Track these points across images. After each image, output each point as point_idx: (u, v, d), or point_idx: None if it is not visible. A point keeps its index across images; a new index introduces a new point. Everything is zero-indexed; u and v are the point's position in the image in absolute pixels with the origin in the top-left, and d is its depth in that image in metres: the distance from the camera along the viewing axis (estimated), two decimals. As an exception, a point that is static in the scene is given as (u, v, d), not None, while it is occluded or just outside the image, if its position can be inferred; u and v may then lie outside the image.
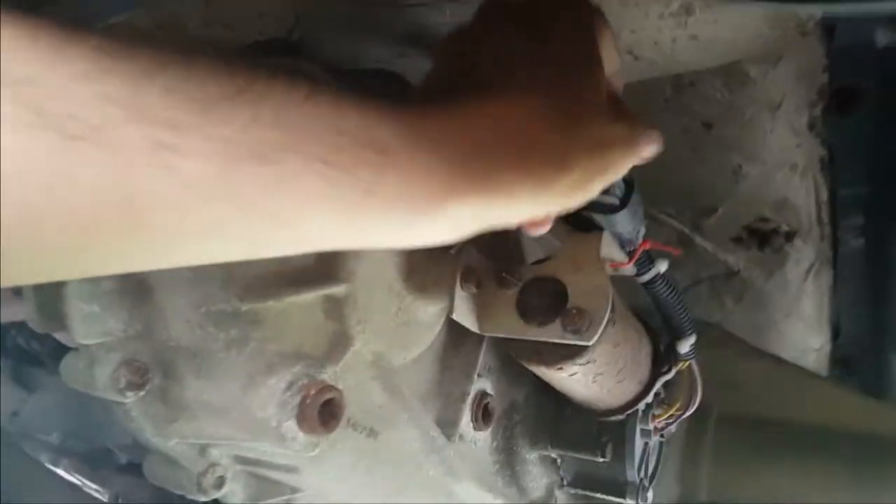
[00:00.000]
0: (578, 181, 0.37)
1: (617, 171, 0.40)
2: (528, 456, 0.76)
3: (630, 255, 0.62)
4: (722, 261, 1.08)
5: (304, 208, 0.26)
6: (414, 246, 0.33)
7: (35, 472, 0.94)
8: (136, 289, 0.53)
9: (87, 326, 0.50)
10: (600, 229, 0.61)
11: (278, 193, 0.25)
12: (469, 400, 0.69)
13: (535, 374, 0.69)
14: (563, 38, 0.40)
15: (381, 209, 0.29)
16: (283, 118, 0.25)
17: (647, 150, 0.44)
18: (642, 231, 0.61)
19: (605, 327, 0.56)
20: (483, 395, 0.71)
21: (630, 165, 0.42)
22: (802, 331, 1.12)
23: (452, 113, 0.33)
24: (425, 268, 0.63)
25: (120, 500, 1.05)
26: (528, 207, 0.34)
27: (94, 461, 1.19)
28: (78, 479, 1.22)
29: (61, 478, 0.97)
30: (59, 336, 0.68)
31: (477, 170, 0.31)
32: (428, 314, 0.65)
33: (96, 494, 1.19)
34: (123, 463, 1.15)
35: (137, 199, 0.22)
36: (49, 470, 1.00)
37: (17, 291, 0.79)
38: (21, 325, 1.41)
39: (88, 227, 0.22)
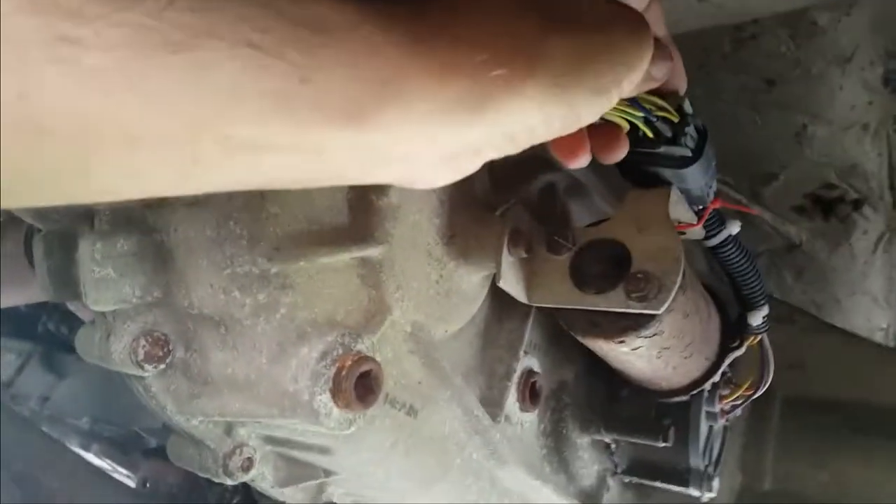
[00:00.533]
0: (563, 72, 0.30)
1: (616, 66, 0.33)
2: (578, 440, 0.70)
3: (699, 214, 0.55)
4: (782, 232, 1.00)
5: (231, 104, 0.22)
6: (374, 168, 0.27)
7: (62, 456, 0.91)
8: (154, 251, 0.48)
9: (100, 292, 0.46)
10: (664, 184, 0.54)
11: (199, 86, 0.22)
12: (515, 378, 0.64)
13: (585, 351, 0.63)
14: None
15: (320, 99, 0.24)
16: None
17: (658, 66, 0.37)
18: (714, 187, 0.54)
19: (676, 294, 0.49)
20: (530, 373, 0.65)
21: (636, 69, 0.35)
22: (869, 307, 1.03)
23: None
24: (468, 231, 0.57)
25: (148, 485, 1.03)
26: (507, 108, 0.28)
27: (124, 445, 1.17)
28: (108, 464, 1.20)
29: (86, 461, 0.94)
30: (74, 308, 0.64)
31: (437, 51, 0.26)
32: (471, 283, 0.59)
33: (126, 480, 1.16)
34: (153, 447, 1.12)
35: (35, 98, 0.19)
36: (73, 452, 0.97)
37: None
38: (51, 310, 1.39)
39: None
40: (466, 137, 0.29)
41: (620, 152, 0.42)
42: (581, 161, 0.40)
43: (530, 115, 0.30)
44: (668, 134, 0.48)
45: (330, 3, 0.24)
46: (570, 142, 0.39)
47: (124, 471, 1.19)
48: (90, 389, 1.31)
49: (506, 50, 0.28)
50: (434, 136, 0.28)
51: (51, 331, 1.45)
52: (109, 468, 1.20)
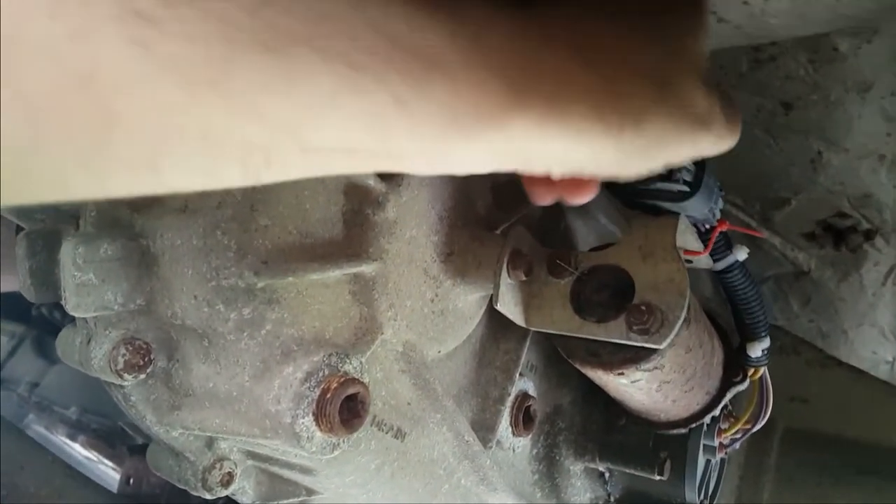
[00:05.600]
0: (646, 148, 0.30)
1: (696, 156, 0.33)
2: (571, 467, 0.68)
3: (706, 238, 0.53)
4: (791, 258, 0.97)
5: (316, 115, 0.21)
6: (443, 169, 0.27)
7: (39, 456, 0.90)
8: (139, 257, 0.46)
9: (80, 297, 0.44)
10: (671, 212, 0.52)
11: (285, 93, 0.20)
12: (509, 402, 0.62)
13: (584, 376, 0.60)
14: None
15: (413, 124, 0.23)
16: (307, 2, 0.19)
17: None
18: (719, 206, 0.52)
19: (679, 329, 0.47)
20: (525, 396, 0.63)
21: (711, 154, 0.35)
22: (875, 340, 1.01)
23: (529, 21, 0.26)
24: (467, 249, 0.55)
25: (131, 482, 1.01)
26: (579, 157, 0.28)
27: (111, 438, 1.15)
28: (94, 457, 1.18)
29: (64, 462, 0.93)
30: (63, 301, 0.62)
31: (541, 96, 0.25)
32: (467, 303, 0.57)
33: (112, 472, 1.15)
34: (138, 443, 1.11)
35: (102, 78, 0.17)
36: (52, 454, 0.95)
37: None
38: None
39: (40, 103, 0.17)
40: (531, 160, 0.28)
41: (587, 195, 0.40)
42: (547, 200, 0.38)
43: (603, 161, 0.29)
44: (663, 171, 0.47)
45: (444, 31, 0.23)
46: (540, 179, 0.37)
47: (110, 463, 1.17)
48: (80, 378, 1.30)
49: (610, 111, 0.28)
50: (503, 162, 0.27)
51: (44, 315, 1.43)
52: (95, 460, 1.18)
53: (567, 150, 0.28)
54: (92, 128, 0.18)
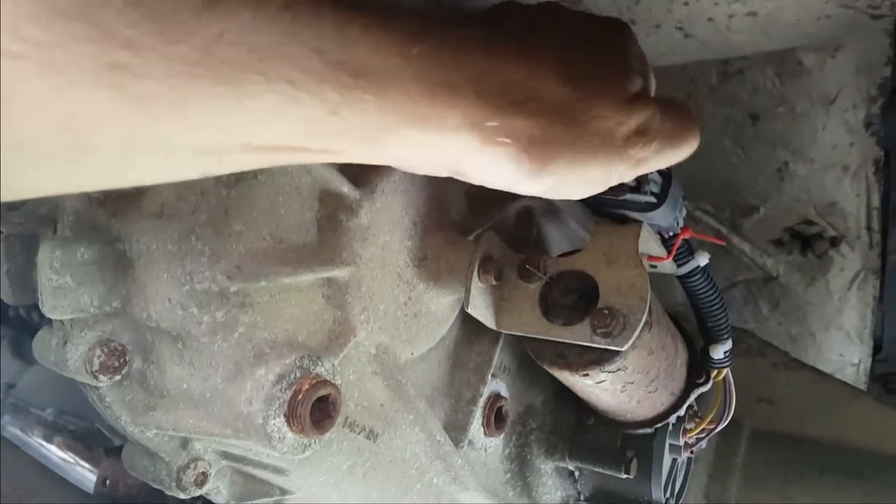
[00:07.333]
0: (553, 186, 0.34)
1: (611, 181, 0.37)
2: (542, 466, 0.69)
3: (669, 245, 0.55)
4: (760, 264, 1.00)
5: (261, 125, 0.25)
6: (381, 162, 0.32)
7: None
8: (115, 261, 0.47)
9: (57, 300, 0.45)
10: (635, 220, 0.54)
11: (234, 111, 0.24)
12: (481, 402, 0.63)
13: (555, 378, 0.62)
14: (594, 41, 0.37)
15: (345, 128, 0.27)
16: (252, 35, 0.23)
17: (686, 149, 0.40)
18: (683, 214, 0.54)
19: (641, 332, 0.49)
20: (497, 397, 0.65)
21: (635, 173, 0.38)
22: (841, 343, 1.04)
23: (457, 42, 0.30)
24: (440, 254, 0.57)
25: (107, 483, 1.01)
26: (497, 176, 0.33)
27: (88, 440, 1.15)
28: (71, 458, 1.18)
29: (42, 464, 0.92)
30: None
31: (459, 106, 0.29)
32: (440, 306, 0.59)
33: (89, 474, 1.14)
34: (115, 445, 1.10)
35: (81, 117, 0.21)
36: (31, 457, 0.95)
37: None
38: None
39: (27, 143, 0.21)
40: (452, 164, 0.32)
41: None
42: None
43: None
44: (632, 183, 0.48)
45: (371, 46, 0.26)
46: None
47: (87, 465, 1.17)
48: (57, 379, 1.29)
49: (513, 153, 0.31)
50: (430, 161, 0.32)
51: (22, 316, 1.42)
52: (72, 461, 1.18)
53: (478, 167, 0.31)
54: (70, 154, 0.22)
